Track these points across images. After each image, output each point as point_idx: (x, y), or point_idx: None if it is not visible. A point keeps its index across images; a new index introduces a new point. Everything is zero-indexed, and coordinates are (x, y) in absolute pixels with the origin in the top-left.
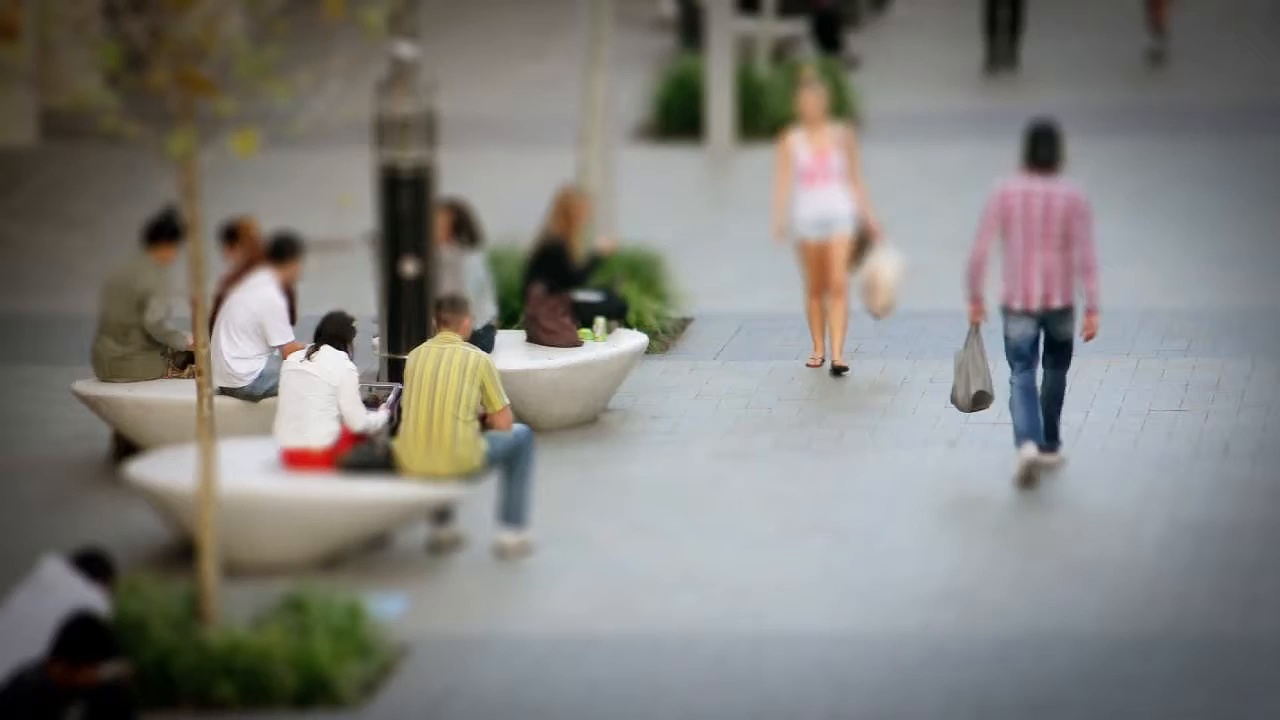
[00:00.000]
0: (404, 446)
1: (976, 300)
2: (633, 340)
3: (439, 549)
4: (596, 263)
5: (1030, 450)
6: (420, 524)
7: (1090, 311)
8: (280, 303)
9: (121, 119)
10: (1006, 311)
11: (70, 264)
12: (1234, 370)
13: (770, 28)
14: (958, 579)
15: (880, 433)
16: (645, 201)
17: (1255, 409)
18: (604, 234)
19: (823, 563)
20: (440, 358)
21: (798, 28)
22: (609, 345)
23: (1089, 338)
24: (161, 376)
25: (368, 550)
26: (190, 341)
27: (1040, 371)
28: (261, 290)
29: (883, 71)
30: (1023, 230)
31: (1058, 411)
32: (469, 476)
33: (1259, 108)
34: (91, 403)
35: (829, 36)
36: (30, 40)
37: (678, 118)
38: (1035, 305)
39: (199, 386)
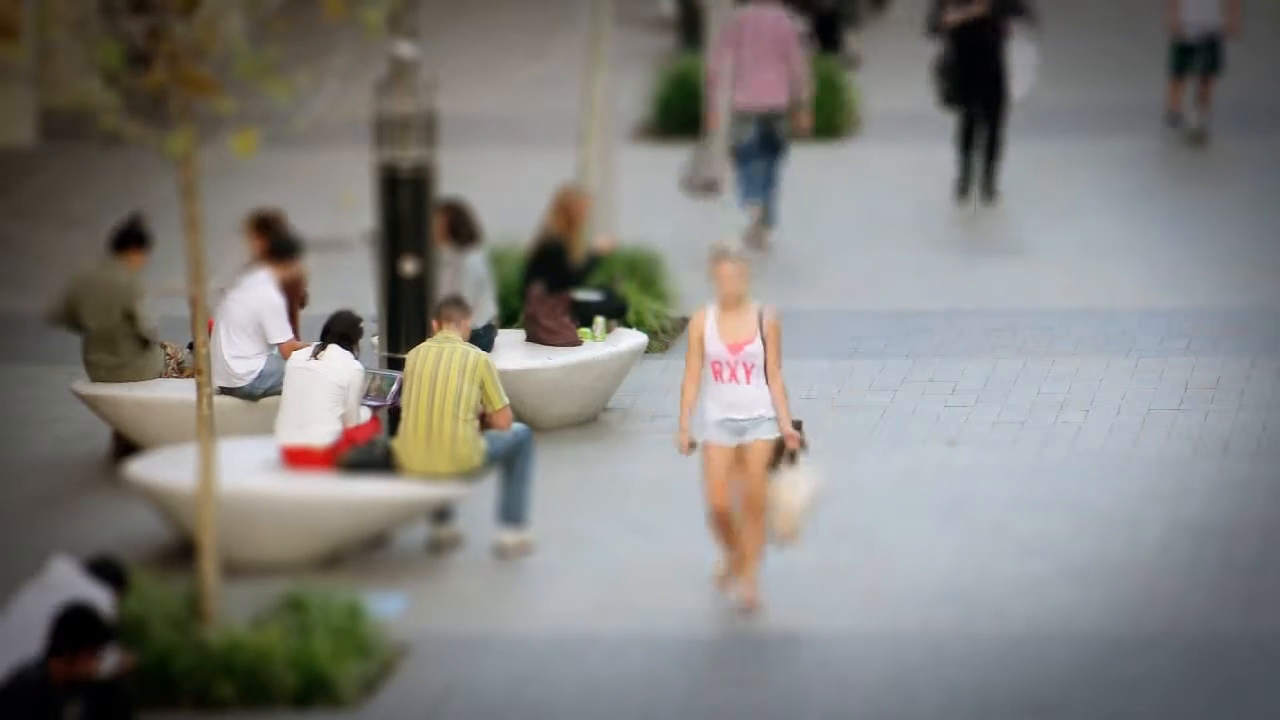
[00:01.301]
0: (404, 446)
1: (714, 109)
2: (632, 340)
3: (439, 548)
4: (596, 262)
5: (755, 210)
6: (420, 524)
7: (800, 112)
8: (279, 301)
9: (121, 119)
10: (738, 115)
11: (70, 264)
12: (1233, 369)
13: None
14: (958, 579)
15: (880, 433)
16: (645, 201)
17: (1255, 408)
18: (603, 233)
19: (822, 563)
20: (440, 357)
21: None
22: (608, 345)
23: (805, 130)
24: (159, 376)
25: (368, 550)
26: (166, 344)
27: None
28: (260, 289)
29: (883, 71)
30: (752, 49)
31: (772, 192)
32: (469, 476)
33: (1259, 108)
34: (91, 402)
35: (829, 36)
36: (30, 40)
37: (678, 117)
38: (761, 104)
39: (199, 386)
